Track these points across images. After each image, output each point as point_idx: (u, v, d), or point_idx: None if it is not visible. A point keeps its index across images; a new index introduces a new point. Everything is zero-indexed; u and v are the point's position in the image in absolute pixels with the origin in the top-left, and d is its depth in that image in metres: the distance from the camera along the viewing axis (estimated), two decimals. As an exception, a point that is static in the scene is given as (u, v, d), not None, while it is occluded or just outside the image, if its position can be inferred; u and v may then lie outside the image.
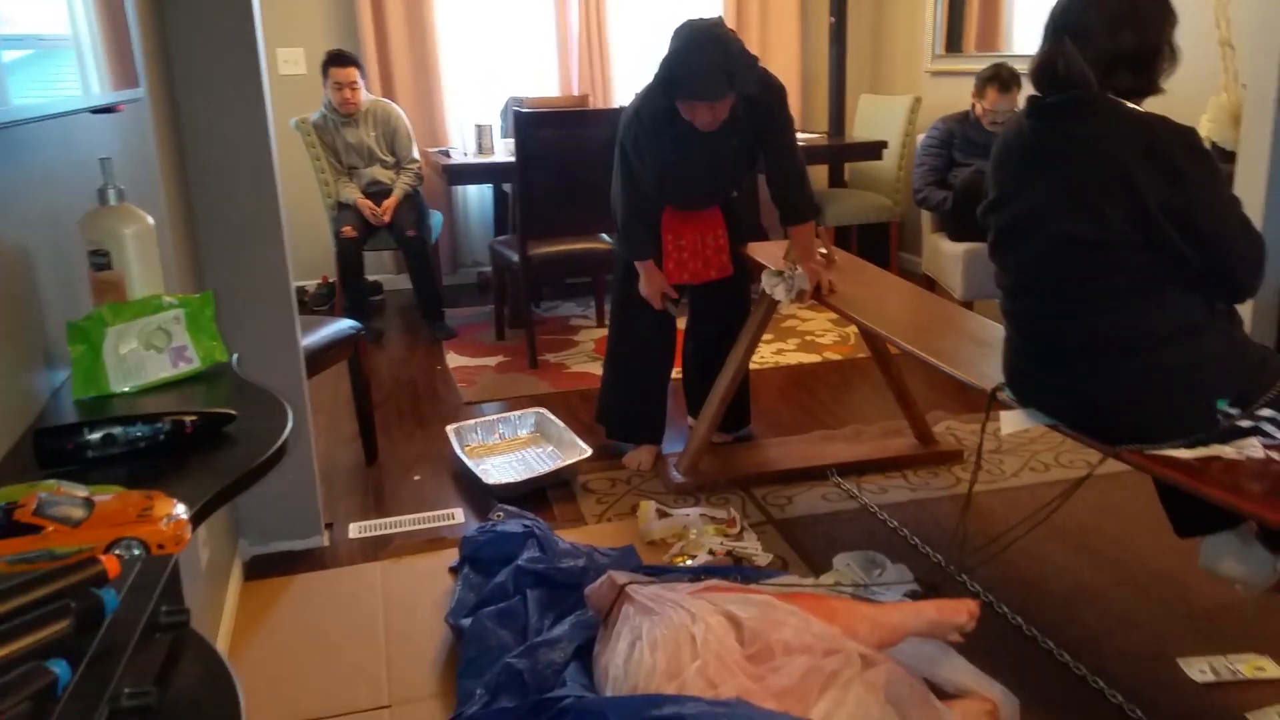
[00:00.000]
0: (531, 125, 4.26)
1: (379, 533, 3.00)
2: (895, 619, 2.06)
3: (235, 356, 1.65)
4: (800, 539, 2.88)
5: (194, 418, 1.29)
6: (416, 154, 5.25)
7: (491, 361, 4.66)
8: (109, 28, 1.65)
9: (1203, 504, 1.82)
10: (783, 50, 6.40)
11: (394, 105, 5.28)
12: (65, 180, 1.62)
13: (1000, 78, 4.48)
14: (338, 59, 4.97)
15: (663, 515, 2.98)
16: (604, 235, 4.61)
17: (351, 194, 5.04)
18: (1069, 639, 2.37)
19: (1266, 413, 1.87)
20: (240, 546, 2.85)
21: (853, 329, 4.81)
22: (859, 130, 6.07)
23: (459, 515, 3.10)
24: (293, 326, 2.77)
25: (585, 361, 4.59)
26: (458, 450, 3.43)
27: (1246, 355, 1.94)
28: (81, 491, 1.07)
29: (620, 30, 6.16)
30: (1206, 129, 3.68)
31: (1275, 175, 3.36)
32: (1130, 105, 1.87)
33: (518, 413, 3.76)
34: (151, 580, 0.90)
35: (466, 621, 2.35)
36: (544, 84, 6.14)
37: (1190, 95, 3.82)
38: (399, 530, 3.01)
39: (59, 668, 0.75)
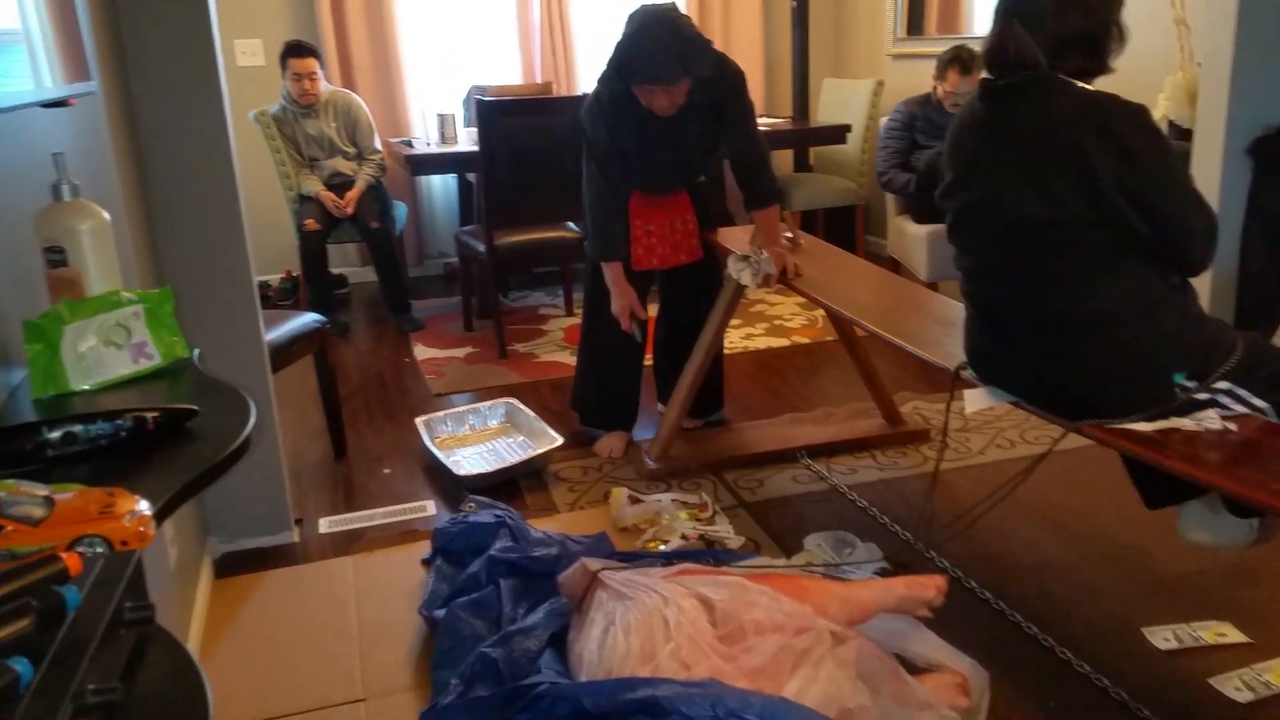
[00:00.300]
0: (494, 114, 4.24)
1: (350, 527, 2.99)
2: (865, 596, 2.08)
3: (197, 352, 1.64)
4: (771, 521, 2.90)
5: (156, 414, 1.28)
6: (378, 145, 5.22)
7: (460, 353, 4.64)
8: (59, 20, 1.63)
9: (1169, 476, 1.84)
10: (745, 35, 6.41)
11: (354, 96, 5.23)
12: (17, 176, 1.60)
13: (961, 60, 4.50)
14: (296, 50, 4.92)
15: (635, 501, 2.98)
16: (570, 224, 4.60)
17: (313, 186, 5.00)
18: (1037, 611, 2.40)
19: (1223, 385, 1.91)
20: (210, 544, 2.84)
21: (820, 312, 4.83)
22: (823, 114, 6.08)
23: (430, 507, 3.09)
24: (256, 321, 2.75)
25: (555, 350, 4.59)
26: (428, 442, 3.42)
27: (1202, 329, 1.96)
28: (42, 490, 1.06)
29: (583, 17, 6.14)
30: (1163, 107, 3.72)
31: (1230, 151, 3.40)
32: (1081, 85, 1.89)
33: (488, 403, 3.75)
34: (114, 576, 0.90)
35: (440, 613, 2.35)
36: (507, 72, 6.12)
37: (1147, 73, 3.86)
38: (370, 524, 3.01)
39: (20, 665, 0.74)
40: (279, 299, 5.72)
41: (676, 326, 3.46)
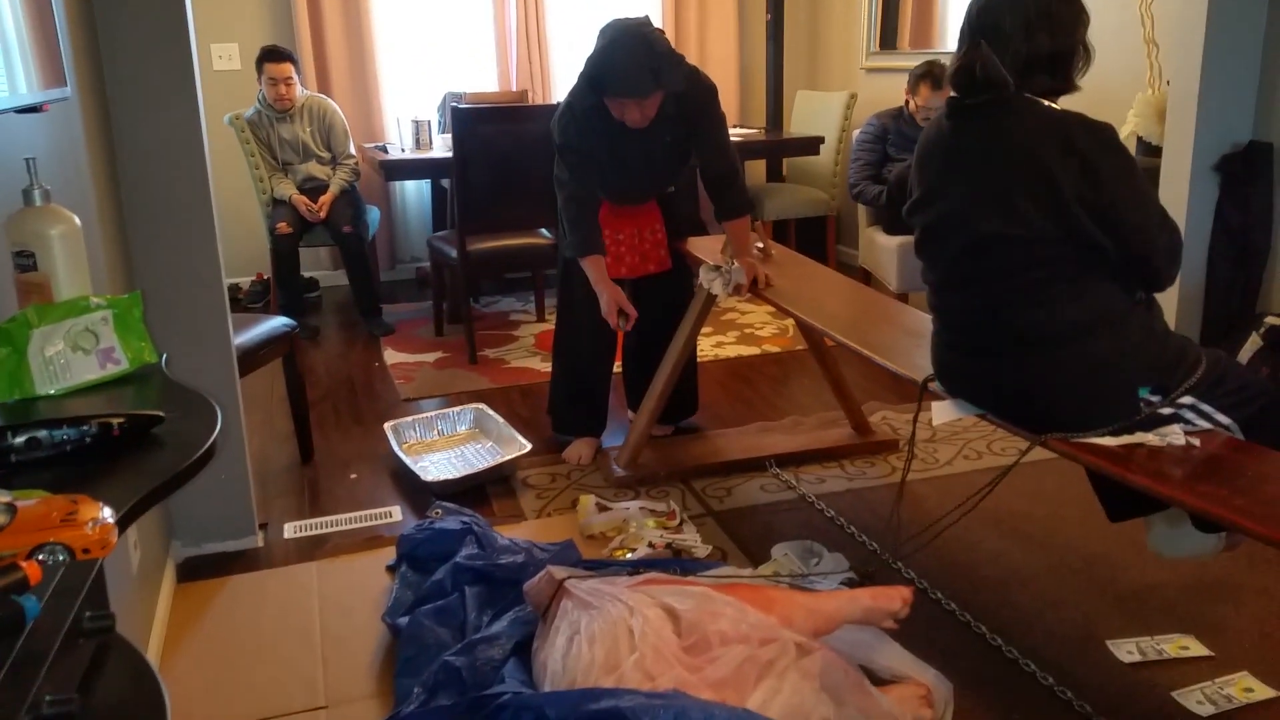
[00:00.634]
0: (470, 121, 4.24)
1: (315, 532, 2.98)
2: (831, 607, 2.09)
3: (164, 357, 1.63)
4: (739, 530, 2.91)
5: (121, 420, 1.27)
6: (353, 149, 5.21)
7: (430, 358, 4.63)
8: (36, 26, 1.62)
9: (1132, 490, 1.86)
10: (720, 46, 6.44)
11: (330, 101, 5.22)
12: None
13: (933, 75, 4.54)
14: (272, 54, 4.91)
15: (603, 509, 2.98)
16: (543, 230, 4.61)
17: (287, 190, 4.99)
18: (1001, 623, 2.42)
19: (1187, 400, 1.93)
20: (173, 548, 2.81)
21: (791, 321, 4.85)
22: (796, 125, 6.12)
23: (397, 513, 3.08)
24: (225, 325, 2.74)
25: (525, 357, 4.58)
26: (395, 448, 3.41)
27: (1166, 344, 1.99)
28: (4, 496, 1.05)
29: (559, 25, 6.15)
30: (1133, 124, 3.77)
31: (1198, 168, 3.45)
32: (1047, 104, 1.92)
33: (456, 409, 3.74)
34: (75, 585, 0.89)
35: (404, 620, 2.34)
36: (483, 79, 6.11)
37: (1117, 91, 3.91)
38: (335, 529, 2.99)
39: (-23, 675, 0.74)
40: (249, 302, 5.69)
41: (646, 334, 3.47)
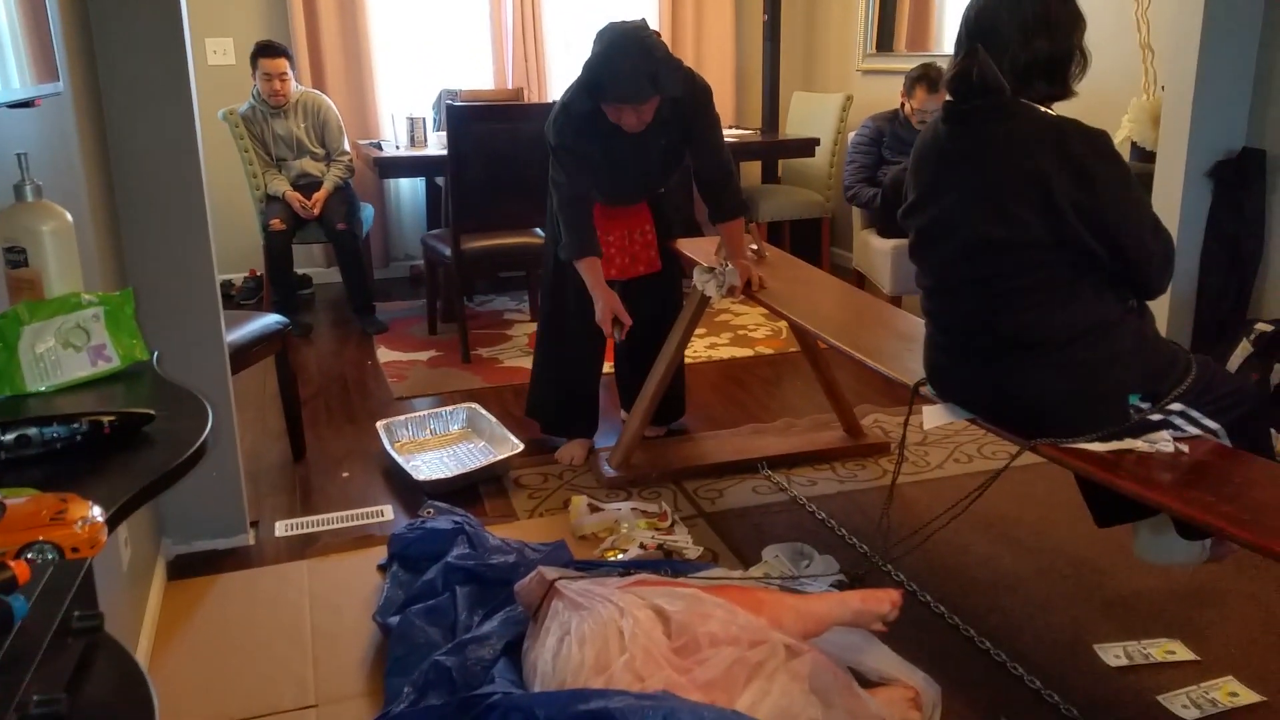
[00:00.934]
0: (465, 119, 4.24)
1: (306, 531, 2.97)
2: (820, 609, 2.09)
3: (156, 354, 1.63)
4: (730, 532, 2.91)
5: (112, 418, 1.27)
6: (347, 146, 5.20)
7: (423, 356, 4.63)
8: (28, 19, 1.62)
9: (1120, 496, 1.87)
10: (717, 47, 6.44)
11: (324, 97, 5.21)
12: (-22, 175, 1.58)
13: (929, 78, 4.55)
14: (267, 50, 4.90)
15: (594, 510, 2.99)
16: (538, 230, 4.60)
17: (280, 186, 4.98)
18: (989, 626, 2.43)
19: (1176, 407, 1.94)
20: (163, 546, 2.81)
21: (784, 323, 4.86)
22: (792, 127, 6.12)
23: (388, 512, 3.08)
24: (217, 322, 2.73)
25: (519, 356, 4.58)
26: (388, 446, 3.41)
27: (1157, 351, 2.00)
28: (-7, 494, 1.05)
29: (555, 23, 6.15)
30: (1127, 129, 3.78)
31: (1191, 174, 3.46)
32: (1043, 109, 1.92)
33: (449, 408, 3.74)
34: (64, 585, 0.89)
35: (394, 619, 2.34)
36: (478, 77, 6.11)
37: (1112, 96, 3.92)
38: (326, 528, 2.99)
39: (-36, 676, 0.74)
40: (242, 298, 5.68)
41: (637, 337, 3.46)
